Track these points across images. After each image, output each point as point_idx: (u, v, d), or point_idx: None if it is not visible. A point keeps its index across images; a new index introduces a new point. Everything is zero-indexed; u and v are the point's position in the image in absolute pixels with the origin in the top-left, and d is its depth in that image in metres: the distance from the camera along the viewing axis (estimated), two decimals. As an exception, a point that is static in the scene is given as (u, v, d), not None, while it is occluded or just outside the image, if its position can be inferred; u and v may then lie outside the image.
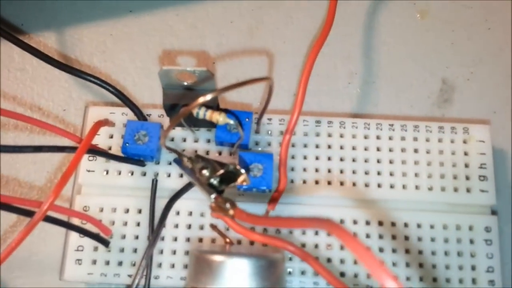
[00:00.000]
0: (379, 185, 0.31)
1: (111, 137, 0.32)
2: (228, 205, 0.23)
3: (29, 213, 0.25)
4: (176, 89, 0.28)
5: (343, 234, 0.15)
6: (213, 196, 0.24)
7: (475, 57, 0.37)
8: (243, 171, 0.25)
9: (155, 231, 0.28)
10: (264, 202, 0.30)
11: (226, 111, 0.28)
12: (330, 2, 0.32)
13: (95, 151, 0.29)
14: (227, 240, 0.28)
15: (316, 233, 0.30)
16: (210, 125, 0.31)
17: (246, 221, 0.22)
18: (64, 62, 0.33)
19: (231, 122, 0.26)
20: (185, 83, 0.28)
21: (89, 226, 0.29)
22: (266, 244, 0.29)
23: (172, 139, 0.32)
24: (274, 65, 0.37)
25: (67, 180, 0.25)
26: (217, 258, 0.23)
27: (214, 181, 0.26)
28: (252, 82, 0.23)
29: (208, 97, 0.23)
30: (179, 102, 0.29)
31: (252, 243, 0.30)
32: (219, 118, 0.26)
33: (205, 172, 0.26)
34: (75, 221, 0.30)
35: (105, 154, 0.30)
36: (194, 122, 0.31)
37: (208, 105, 0.27)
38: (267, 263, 0.24)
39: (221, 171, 0.25)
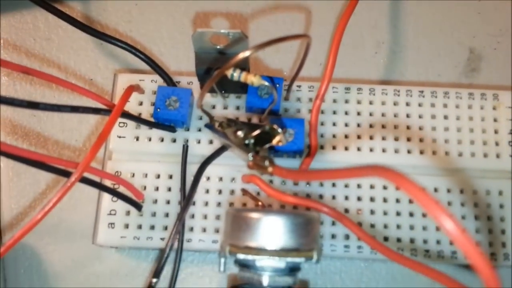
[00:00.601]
0: (409, 151, 0.31)
1: (141, 104, 0.32)
2: (267, 162, 0.23)
3: (65, 173, 0.25)
4: (209, 52, 0.28)
5: (398, 177, 0.15)
6: (251, 154, 0.24)
7: (502, 26, 0.37)
8: (280, 130, 0.25)
9: (187, 195, 0.28)
10: (295, 168, 0.30)
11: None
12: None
13: (128, 115, 0.29)
14: (259, 203, 0.28)
15: (346, 198, 0.30)
16: (240, 90, 0.31)
17: (287, 177, 0.22)
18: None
19: (266, 83, 0.26)
20: (218, 47, 0.28)
21: (121, 190, 0.29)
22: (298, 206, 0.29)
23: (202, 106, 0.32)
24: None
25: (103, 140, 0.25)
26: (255, 215, 0.23)
27: (249, 142, 0.26)
28: (290, 39, 0.23)
29: (248, 53, 0.23)
30: (211, 66, 0.29)
31: (283, 207, 0.30)
32: (254, 80, 0.26)
33: (240, 133, 0.26)
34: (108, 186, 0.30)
35: (137, 119, 0.30)
36: (224, 87, 0.31)
37: (241, 68, 0.27)
38: (304, 221, 0.24)
39: (258, 131, 0.25)
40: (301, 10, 0.37)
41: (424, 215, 0.30)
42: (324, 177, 0.23)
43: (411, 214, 0.30)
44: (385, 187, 0.30)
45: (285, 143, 0.26)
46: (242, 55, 0.23)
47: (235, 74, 0.26)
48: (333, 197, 0.30)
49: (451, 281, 0.21)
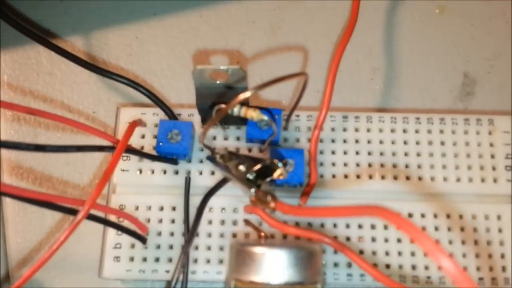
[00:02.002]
0: (407, 178, 0.32)
1: (143, 137, 0.33)
2: (269, 198, 0.24)
3: (71, 211, 0.25)
4: (209, 88, 0.29)
5: (396, 218, 0.16)
6: (253, 190, 0.24)
7: (495, 50, 0.37)
8: (280, 164, 0.26)
9: (191, 227, 0.29)
10: (295, 197, 0.31)
11: (258, 108, 0.29)
12: (353, 2, 0.33)
13: (131, 150, 0.30)
14: (262, 234, 0.29)
15: (347, 226, 0.31)
16: (240, 122, 0.32)
17: (289, 213, 0.22)
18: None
19: (265, 118, 0.27)
20: (218, 82, 0.28)
21: (126, 224, 0.30)
22: (300, 236, 0.29)
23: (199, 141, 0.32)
24: (297, 63, 0.37)
25: (108, 177, 0.26)
26: (259, 250, 0.24)
27: (250, 176, 0.26)
28: (288, 78, 0.24)
29: (248, 94, 0.23)
30: (212, 101, 0.29)
31: (285, 236, 0.30)
32: (254, 114, 0.27)
33: (242, 167, 0.26)
34: (112, 219, 0.30)
35: (140, 153, 0.31)
36: (225, 120, 0.31)
37: (241, 103, 0.28)
38: (307, 254, 0.24)
39: (259, 166, 0.26)
40: (299, 40, 0.38)
41: (424, 241, 0.30)
42: (324, 215, 0.23)
43: (412, 241, 0.30)
44: (385, 214, 0.31)
45: (286, 176, 0.26)
46: (243, 96, 0.23)
47: (235, 110, 0.27)
48: (334, 225, 0.31)
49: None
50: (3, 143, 0.22)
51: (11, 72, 0.37)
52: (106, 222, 0.28)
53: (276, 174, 0.26)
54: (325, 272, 0.29)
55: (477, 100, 0.36)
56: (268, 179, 0.26)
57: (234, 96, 0.25)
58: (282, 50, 0.38)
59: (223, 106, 0.27)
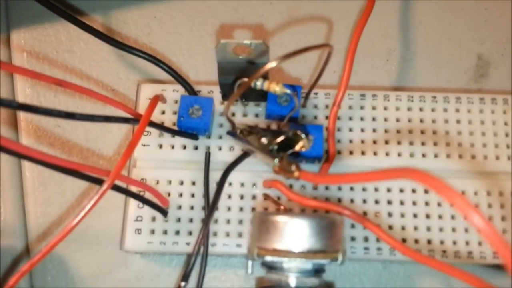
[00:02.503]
0: (423, 155, 0.32)
1: (163, 113, 0.33)
2: (293, 167, 0.24)
3: (97, 181, 0.26)
4: (231, 62, 0.29)
5: (429, 179, 0.16)
6: (277, 159, 0.25)
7: (508, 33, 0.38)
8: (303, 135, 0.26)
9: (212, 201, 0.29)
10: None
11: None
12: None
13: (153, 124, 0.30)
14: (282, 207, 0.29)
15: (364, 201, 0.31)
16: (261, 98, 0.32)
17: (314, 181, 0.23)
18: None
19: (288, 91, 0.27)
20: (240, 57, 0.29)
21: (147, 197, 0.30)
22: (320, 209, 0.30)
23: (221, 114, 0.33)
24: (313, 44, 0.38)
25: (134, 148, 0.26)
26: (282, 218, 0.24)
27: (272, 149, 0.27)
28: (313, 49, 0.24)
29: (274, 63, 0.24)
30: (233, 76, 0.30)
31: (303, 211, 0.31)
32: (277, 88, 0.27)
33: (264, 140, 0.27)
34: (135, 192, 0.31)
35: (162, 127, 0.31)
36: (245, 96, 0.32)
37: (263, 76, 0.28)
38: (329, 223, 0.25)
39: (282, 137, 0.26)
40: (315, 22, 0.38)
41: (440, 217, 0.31)
42: (350, 180, 0.24)
43: (427, 216, 0.31)
44: (401, 190, 0.31)
45: (308, 148, 0.27)
46: (270, 65, 0.24)
47: (258, 83, 0.27)
48: (351, 201, 0.31)
49: (474, 280, 0.22)
50: (34, 108, 0.22)
51: (31, 49, 0.37)
52: (129, 193, 0.28)
53: (298, 146, 0.26)
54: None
55: (491, 82, 0.37)
56: (290, 151, 0.27)
57: (255, 71, 0.26)
58: (299, 31, 0.38)
59: (246, 79, 0.28)
